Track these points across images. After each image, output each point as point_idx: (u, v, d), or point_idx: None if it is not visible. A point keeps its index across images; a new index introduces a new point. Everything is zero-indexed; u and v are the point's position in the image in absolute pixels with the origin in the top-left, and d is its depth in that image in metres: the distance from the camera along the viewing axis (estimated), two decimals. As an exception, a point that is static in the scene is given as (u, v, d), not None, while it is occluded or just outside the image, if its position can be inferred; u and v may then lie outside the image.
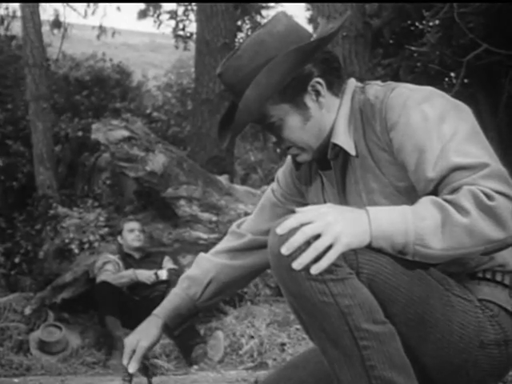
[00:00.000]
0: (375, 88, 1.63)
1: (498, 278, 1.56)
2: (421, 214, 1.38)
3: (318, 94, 1.62)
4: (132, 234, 5.36)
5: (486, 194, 1.37)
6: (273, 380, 1.81)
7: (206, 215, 5.61)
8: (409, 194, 1.47)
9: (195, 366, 4.62)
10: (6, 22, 10.29)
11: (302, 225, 1.35)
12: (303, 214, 1.37)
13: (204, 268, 1.93)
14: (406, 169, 1.53)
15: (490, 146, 1.49)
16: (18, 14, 8.48)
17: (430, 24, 8.26)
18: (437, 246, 1.36)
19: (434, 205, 1.38)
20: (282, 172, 1.89)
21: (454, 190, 1.41)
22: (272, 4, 12.39)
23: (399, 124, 1.52)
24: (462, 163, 1.42)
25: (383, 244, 1.38)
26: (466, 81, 8.02)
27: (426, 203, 1.40)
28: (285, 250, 1.35)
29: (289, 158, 1.84)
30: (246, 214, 5.65)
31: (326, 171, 1.71)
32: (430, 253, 1.37)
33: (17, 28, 9.00)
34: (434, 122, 1.49)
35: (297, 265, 1.34)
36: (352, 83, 1.69)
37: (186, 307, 1.88)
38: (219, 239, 6.40)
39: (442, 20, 7.54)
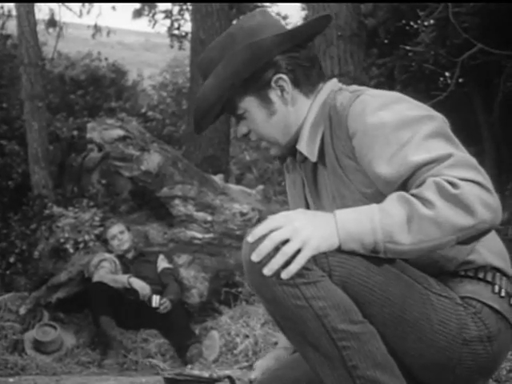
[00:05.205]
0: (344, 95, 1.64)
1: (481, 274, 1.57)
2: (387, 210, 1.39)
3: (282, 89, 1.65)
4: (115, 239, 5.34)
5: (450, 183, 1.37)
6: (267, 379, 1.82)
7: (200, 215, 5.61)
8: (376, 200, 1.47)
9: (190, 366, 4.63)
10: (1, 21, 10.27)
11: (272, 231, 1.37)
12: (272, 220, 1.39)
13: None
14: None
15: (458, 143, 1.49)
16: (14, 13, 8.47)
17: (425, 24, 8.28)
18: (406, 241, 1.37)
19: (400, 200, 1.39)
20: (288, 189, 1.91)
21: (420, 185, 1.42)
22: (267, 4, 12.39)
23: (358, 132, 1.54)
24: (424, 159, 1.43)
25: (353, 245, 1.39)
26: (460, 80, 8.04)
27: (391, 200, 1.41)
28: (255, 256, 1.37)
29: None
30: (241, 213, 5.66)
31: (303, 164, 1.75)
32: (401, 248, 1.38)
33: (12, 27, 8.98)
34: (391, 127, 1.50)
35: (267, 270, 1.36)
36: (328, 87, 1.70)
37: None
38: (214, 239, 6.42)
39: (436, 20, 7.56)
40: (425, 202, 1.37)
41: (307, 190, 1.76)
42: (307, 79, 1.68)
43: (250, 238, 1.39)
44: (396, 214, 1.37)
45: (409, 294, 1.46)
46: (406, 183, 1.46)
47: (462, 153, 1.44)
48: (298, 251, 1.36)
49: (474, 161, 1.43)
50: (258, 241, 1.37)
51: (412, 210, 1.37)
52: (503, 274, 1.59)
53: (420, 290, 1.48)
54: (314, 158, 1.65)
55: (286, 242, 1.36)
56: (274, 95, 1.66)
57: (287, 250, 1.35)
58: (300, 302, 1.37)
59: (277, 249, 1.36)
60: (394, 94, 1.60)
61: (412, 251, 1.39)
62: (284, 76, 1.64)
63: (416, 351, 1.48)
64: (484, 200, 1.37)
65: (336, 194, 1.64)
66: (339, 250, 1.40)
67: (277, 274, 1.36)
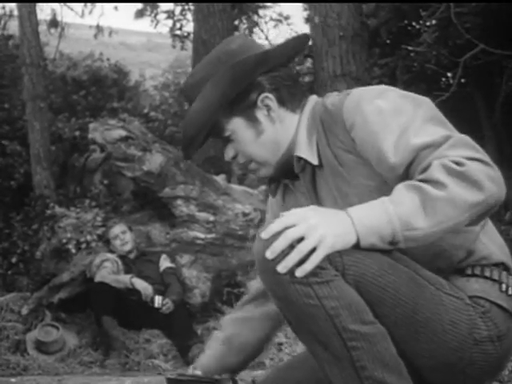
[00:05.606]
0: (332, 97, 1.67)
1: (487, 273, 1.57)
2: (399, 200, 1.40)
3: (269, 108, 1.67)
4: (117, 240, 5.34)
5: (456, 162, 1.40)
6: (270, 380, 1.82)
7: (203, 215, 5.61)
8: (381, 192, 1.49)
9: (192, 366, 4.62)
10: (2, 22, 10.28)
11: (286, 228, 1.37)
12: (287, 217, 1.39)
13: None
14: (372, 166, 1.56)
15: (452, 128, 1.53)
16: (15, 13, 8.47)
17: (427, 24, 8.27)
18: (423, 225, 1.38)
19: (409, 188, 1.41)
20: (269, 207, 1.91)
21: (426, 169, 1.44)
22: (269, 4, 12.39)
23: (357, 123, 1.56)
24: (425, 142, 1.46)
25: (373, 240, 1.39)
26: (462, 81, 8.03)
27: (399, 190, 1.42)
28: (269, 254, 1.36)
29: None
30: (244, 213, 5.66)
31: (296, 182, 1.75)
32: (420, 234, 1.39)
33: (14, 27, 8.99)
34: (390, 113, 1.53)
35: (281, 268, 1.36)
36: (312, 99, 1.73)
37: None
38: (216, 239, 6.41)
39: (438, 20, 7.55)
40: (435, 184, 1.39)
41: (305, 202, 1.74)
42: (292, 97, 1.70)
43: (264, 235, 1.38)
44: (408, 201, 1.39)
45: (420, 294, 1.46)
46: (409, 168, 1.48)
47: (458, 134, 1.48)
48: (313, 249, 1.35)
49: (471, 140, 1.46)
50: (273, 238, 1.37)
51: (423, 194, 1.38)
52: (508, 270, 1.60)
53: (432, 290, 1.48)
54: (315, 160, 1.65)
55: (300, 239, 1.35)
56: (260, 115, 1.67)
57: (302, 248, 1.35)
58: (312, 301, 1.37)
59: (291, 246, 1.35)
60: (382, 86, 1.64)
61: (430, 234, 1.40)
62: (270, 95, 1.66)
63: (427, 352, 1.48)
64: (489, 174, 1.40)
65: (337, 195, 1.64)
66: (353, 249, 1.40)
67: (291, 272, 1.35)
